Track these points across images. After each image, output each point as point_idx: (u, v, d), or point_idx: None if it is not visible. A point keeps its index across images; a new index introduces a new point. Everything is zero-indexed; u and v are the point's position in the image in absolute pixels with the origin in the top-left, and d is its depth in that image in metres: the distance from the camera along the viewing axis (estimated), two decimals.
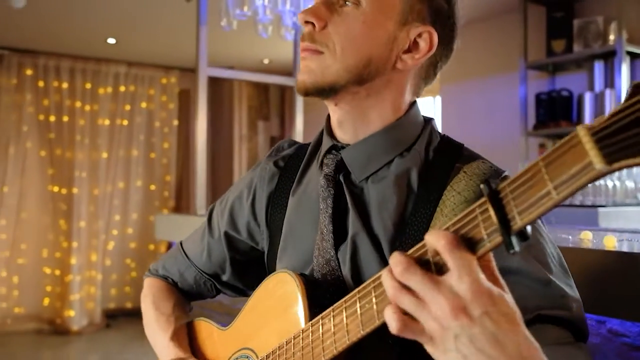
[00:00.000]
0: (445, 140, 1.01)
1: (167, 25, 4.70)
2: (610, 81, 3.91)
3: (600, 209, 3.20)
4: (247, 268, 1.19)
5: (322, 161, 1.03)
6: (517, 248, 0.61)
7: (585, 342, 0.84)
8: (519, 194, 0.61)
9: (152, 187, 6.46)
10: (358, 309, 0.74)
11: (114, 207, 6.28)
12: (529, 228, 0.61)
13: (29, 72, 5.81)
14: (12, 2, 4.08)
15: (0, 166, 5.67)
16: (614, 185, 3.44)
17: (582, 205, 3.49)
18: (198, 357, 1.14)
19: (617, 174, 3.31)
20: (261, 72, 5.80)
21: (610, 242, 1.15)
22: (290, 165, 1.12)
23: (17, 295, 5.83)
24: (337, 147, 1.01)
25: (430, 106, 5.63)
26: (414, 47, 0.96)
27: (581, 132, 0.56)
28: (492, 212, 0.62)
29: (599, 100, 3.90)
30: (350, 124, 0.99)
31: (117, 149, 6.24)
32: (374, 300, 0.72)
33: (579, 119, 4.01)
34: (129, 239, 6.32)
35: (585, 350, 0.82)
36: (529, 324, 0.76)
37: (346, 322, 0.76)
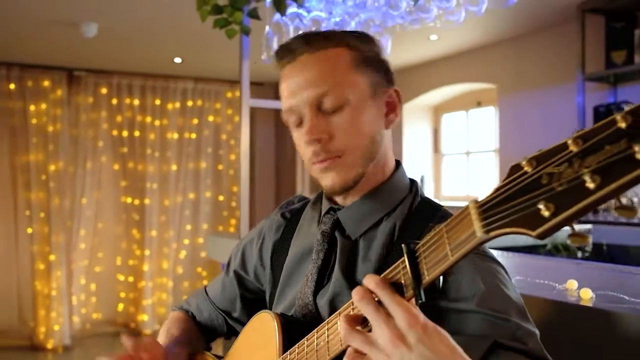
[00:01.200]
0: (425, 201, 1.12)
1: (229, 42, 4.87)
2: None
3: None
4: (256, 307, 1.30)
5: (320, 220, 1.15)
6: (423, 299, 0.73)
7: None
8: (429, 253, 0.73)
9: (221, 197, 6.70)
10: (315, 345, 0.87)
11: (184, 217, 6.55)
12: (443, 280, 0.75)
13: (103, 90, 6.16)
14: (84, 32, 4.38)
15: (78, 180, 6.04)
16: None
17: (636, 224, 3.40)
18: None
19: None
20: None
21: (585, 294, 1.17)
22: (296, 218, 1.25)
23: (94, 302, 6.19)
24: (334, 209, 1.13)
25: (488, 117, 5.56)
26: (390, 105, 1.11)
27: (471, 205, 0.67)
28: (408, 269, 0.74)
29: None
30: (350, 194, 1.11)
31: (186, 162, 6.51)
32: (327, 337, 0.85)
33: None
34: (199, 248, 6.57)
35: None
36: (491, 350, 0.84)
37: (306, 356, 0.87)
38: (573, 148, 0.58)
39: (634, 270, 1.53)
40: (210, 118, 6.61)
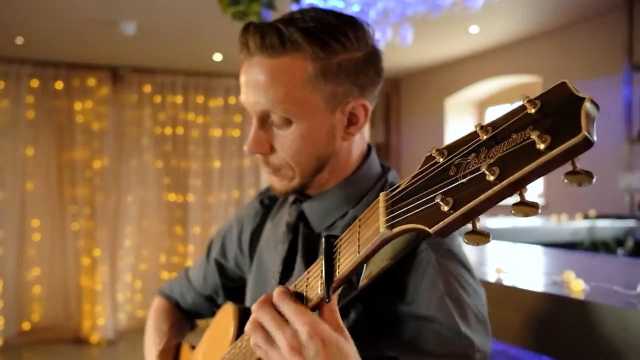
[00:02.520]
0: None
1: None
2: None
3: None
4: (238, 294, 1.27)
5: (287, 210, 1.11)
6: (330, 299, 0.69)
7: None
8: (344, 249, 0.69)
9: None
10: (246, 339, 0.85)
11: (231, 215, 6.59)
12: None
13: (147, 88, 6.26)
14: (123, 31, 4.46)
15: (123, 177, 6.15)
16: None
17: None
18: None
19: None
20: None
21: (577, 286, 1.08)
22: (272, 204, 1.21)
23: (139, 298, 6.30)
24: (300, 200, 1.08)
25: None
26: (353, 118, 1.00)
27: (381, 196, 0.62)
28: (323, 265, 0.70)
29: None
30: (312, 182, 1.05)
31: (229, 159, 6.54)
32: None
33: None
34: None
35: None
36: None
37: (244, 348, 0.85)
38: (482, 136, 0.53)
39: None
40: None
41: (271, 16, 2.63)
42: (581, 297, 1.06)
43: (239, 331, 0.96)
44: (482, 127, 0.53)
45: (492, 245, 1.96)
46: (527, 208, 0.51)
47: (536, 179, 0.51)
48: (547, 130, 0.48)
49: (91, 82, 6.05)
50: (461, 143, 0.56)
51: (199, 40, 5.15)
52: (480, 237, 0.53)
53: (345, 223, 1.02)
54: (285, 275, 1.05)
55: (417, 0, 2.09)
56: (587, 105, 0.48)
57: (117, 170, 6.14)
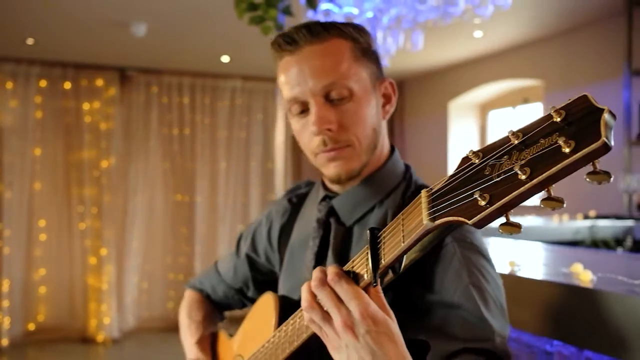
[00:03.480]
0: (419, 188, 1.13)
1: None
2: None
3: None
4: (267, 287, 1.36)
5: (317, 207, 1.19)
6: (377, 283, 0.77)
7: None
8: (388, 239, 0.77)
9: (270, 196, 6.81)
10: (298, 322, 0.93)
11: (237, 215, 6.68)
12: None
13: (154, 89, 6.35)
14: (134, 32, 4.55)
15: (130, 177, 6.23)
16: None
17: None
18: (217, 358, 1.33)
19: None
20: None
21: (585, 277, 1.18)
22: (301, 202, 1.31)
23: (145, 298, 6.37)
24: (329, 197, 1.16)
25: (535, 113, 5.48)
26: (385, 98, 1.13)
27: (423, 193, 0.71)
28: (369, 254, 0.78)
29: None
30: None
31: (236, 159, 6.63)
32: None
33: None
34: None
35: None
36: (456, 353, 0.88)
37: (292, 333, 0.94)
38: (514, 141, 0.61)
39: None
40: (259, 116, 6.72)
41: (286, 21, 2.74)
42: (590, 286, 1.16)
43: (281, 318, 1.05)
44: (513, 133, 0.62)
45: (502, 242, 2.06)
46: (554, 202, 0.60)
47: (562, 178, 0.59)
48: (572, 136, 0.57)
49: (99, 82, 6.14)
50: (495, 147, 0.64)
51: (207, 42, 5.24)
52: (513, 227, 0.62)
53: (375, 216, 1.10)
54: (318, 265, 1.14)
55: (429, 8, 2.19)
56: (606, 115, 0.55)
57: (125, 170, 6.23)
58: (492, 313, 0.94)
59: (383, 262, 0.77)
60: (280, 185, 2.95)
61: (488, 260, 1.02)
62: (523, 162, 0.59)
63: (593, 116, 0.56)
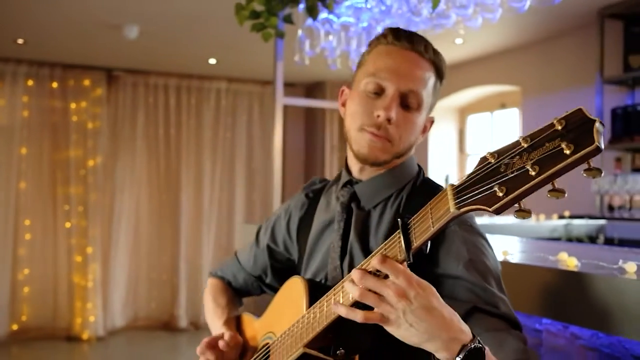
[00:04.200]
0: (426, 182, 1.33)
1: (261, 45, 5.11)
2: None
3: None
4: (284, 274, 1.50)
5: (339, 192, 1.34)
6: (411, 260, 0.94)
7: (518, 330, 1.09)
8: (418, 225, 0.93)
9: (254, 195, 6.94)
10: (333, 296, 1.07)
11: (222, 215, 6.81)
12: (428, 246, 0.95)
13: (141, 90, 6.45)
14: (126, 35, 4.66)
15: (116, 176, 6.31)
16: None
17: None
18: (243, 338, 1.47)
19: None
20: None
21: (571, 263, 1.36)
22: (317, 197, 1.47)
23: (130, 297, 6.46)
24: (352, 182, 1.33)
25: (512, 118, 5.71)
26: (426, 127, 1.31)
27: (448, 187, 0.88)
28: (402, 237, 0.94)
29: None
30: (368, 169, 1.30)
31: (221, 159, 6.76)
32: (341, 293, 1.04)
33: None
34: (234, 246, 6.78)
35: (516, 336, 1.06)
36: (470, 313, 1.04)
37: (328, 307, 1.08)
38: (523, 144, 0.78)
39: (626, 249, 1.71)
40: (244, 117, 6.86)
41: (285, 29, 2.89)
42: (576, 270, 1.34)
43: (311, 297, 1.19)
44: (523, 138, 0.78)
45: (493, 237, 2.24)
46: (558, 193, 0.77)
47: (564, 174, 0.76)
48: (571, 141, 0.73)
49: (86, 82, 6.22)
50: (507, 149, 0.80)
51: (196, 45, 5.37)
52: (526, 213, 0.79)
53: (392, 203, 1.27)
54: (345, 247, 1.29)
55: (423, 20, 2.37)
56: (597, 125, 0.73)
57: (111, 169, 6.31)
58: (491, 283, 1.12)
59: (415, 243, 0.92)
60: (279, 184, 3.10)
61: (486, 239, 1.20)
62: (532, 161, 0.76)
63: (587, 125, 0.73)
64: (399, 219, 0.96)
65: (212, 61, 5.96)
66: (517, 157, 0.78)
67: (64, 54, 5.77)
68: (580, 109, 0.76)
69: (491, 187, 0.79)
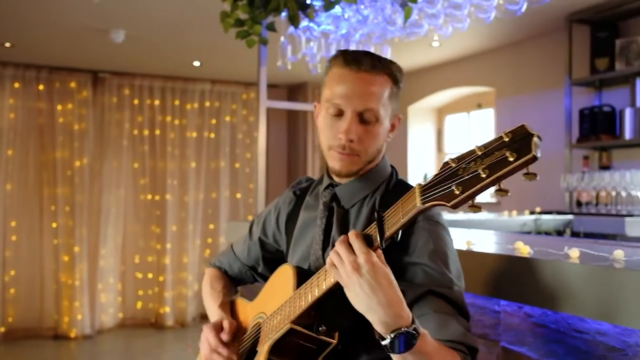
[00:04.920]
0: (399, 182, 1.51)
1: (244, 48, 5.26)
2: None
3: (627, 219, 3.48)
4: (274, 264, 1.67)
5: (322, 193, 1.52)
6: (383, 246, 1.11)
7: (464, 318, 1.27)
8: (391, 218, 1.11)
9: (238, 195, 7.10)
10: (317, 279, 1.25)
11: (207, 214, 6.96)
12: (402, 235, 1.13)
13: (126, 91, 6.58)
14: (113, 38, 4.79)
15: (103, 176, 6.44)
16: None
17: (609, 214, 3.76)
18: (236, 319, 1.63)
19: None
20: None
21: (524, 250, 1.55)
22: (303, 194, 1.64)
23: (116, 296, 6.59)
24: (332, 185, 1.50)
25: (488, 118, 5.92)
26: (392, 128, 1.48)
27: (416, 186, 1.05)
28: (376, 227, 1.12)
29: (637, 115, 4.12)
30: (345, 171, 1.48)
31: (205, 159, 6.92)
32: (324, 276, 1.23)
33: (621, 133, 4.23)
34: (223, 246, 6.91)
35: (460, 322, 1.24)
36: (423, 295, 1.22)
37: (312, 288, 1.26)
38: (478, 152, 0.95)
39: (580, 240, 1.90)
40: (227, 118, 7.02)
41: (268, 36, 3.05)
42: (528, 256, 1.52)
43: (298, 281, 1.36)
44: (478, 147, 0.95)
45: (463, 230, 2.43)
46: (503, 192, 0.94)
47: (508, 177, 0.92)
48: (515, 150, 0.90)
49: (72, 84, 6.33)
50: (465, 155, 0.97)
51: (180, 48, 5.51)
52: (477, 208, 0.97)
53: (368, 203, 1.44)
54: (326, 240, 1.47)
55: (398, 28, 2.54)
56: (535, 138, 0.89)
57: (97, 170, 6.43)
58: (450, 270, 1.30)
59: (387, 233, 1.10)
60: (263, 184, 3.27)
61: (448, 234, 1.38)
62: (484, 166, 0.93)
63: (528, 138, 0.89)
64: (375, 212, 1.13)
65: (197, 63, 6.10)
66: (473, 162, 0.95)
67: (50, 56, 5.88)
68: (523, 125, 0.92)
69: (450, 187, 0.96)
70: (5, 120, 6.07)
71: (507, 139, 0.91)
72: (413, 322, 1.10)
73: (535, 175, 0.92)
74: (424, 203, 1.02)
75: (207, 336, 1.52)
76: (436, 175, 1.01)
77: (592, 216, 3.84)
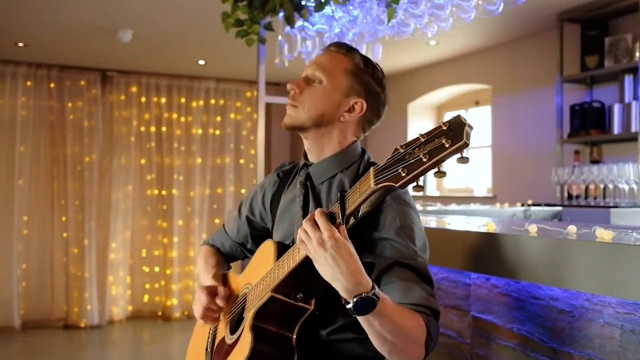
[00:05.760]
0: (370, 164, 1.65)
1: (247, 47, 5.43)
2: (637, 93, 4.26)
3: (612, 210, 3.63)
4: (262, 240, 1.84)
5: (298, 173, 1.68)
6: (344, 223, 1.28)
7: (428, 284, 1.42)
8: (351, 197, 1.28)
9: (243, 190, 7.28)
10: (292, 253, 1.41)
11: (212, 209, 7.15)
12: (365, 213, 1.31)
13: (133, 89, 6.78)
14: (120, 38, 4.98)
15: (112, 172, 6.63)
16: (631, 189, 3.84)
17: (596, 206, 3.91)
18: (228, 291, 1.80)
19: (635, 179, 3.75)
20: None
21: (491, 227, 1.71)
22: (286, 176, 1.80)
23: (124, 289, 6.76)
24: (307, 165, 1.66)
25: (485, 115, 6.07)
26: (351, 109, 1.62)
27: (371, 170, 1.21)
28: (339, 205, 1.28)
29: (626, 110, 4.27)
30: (314, 150, 1.65)
31: (211, 156, 7.11)
32: (298, 250, 1.38)
33: (610, 128, 4.38)
34: None
35: (424, 288, 1.40)
36: (390, 266, 1.38)
37: (288, 260, 1.42)
38: (422, 139, 1.11)
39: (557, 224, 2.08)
40: (232, 115, 7.20)
41: (267, 35, 3.23)
42: (493, 232, 1.69)
43: (278, 253, 1.53)
44: (421, 135, 1.12)
45: (446, 217, 2.59)
46: (441, 174, 1.10)
47: (445, 160, 1.08)
48: (450, 137, 1.06)
49: (82, 82, 6.53)
50: (411, 142, 1.13)
51: (186, 48, 5.70)
52: (419, 188, 1.13)
53: (337, 180, 1.61)
54: (305, 215, 1.63)
55: (386, 28, 2.71)
56: (467, 127, 1.05)
57: (106, 165, 6.63)
58: (415, 243, 1.45)
59: (348, 210, 1.27)
60: (262, 176, 3.44)
61: (415, 211, 1.53)
62: (425, 151, 1.09)
63: (461, 127, 1.06)
64: (339, 192, 1.30)
65: (201, 62, 6.29)
66: (417, 148, 1.11)
67: (61, 56, 6.08)
68: (459, 116, 1.08)
69: (397, 170, 1.12)
70: (17, 117, 6.28)
71: (445, 128, 1.07)
72: (373, 288, 1.25)
73: (467, 159, 1.08)
74: (376, 184, 1.17)
75: (199, 296, 1.69)
76: (388, 159, 1.16)
77: (582, 208, 3.99)
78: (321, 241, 1.25)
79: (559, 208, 3.95)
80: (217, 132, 7.16)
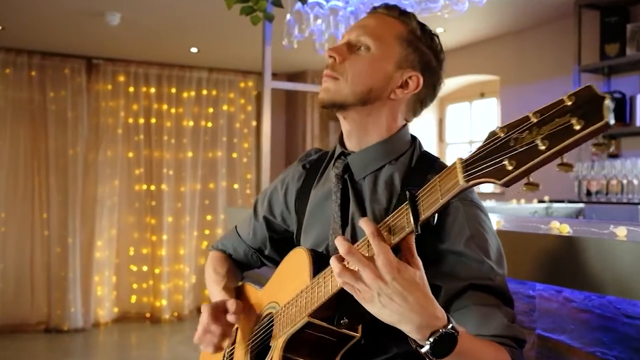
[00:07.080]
0: (424, 155, 1.36)
1: (243, 34, 5.14)
2: None
3: None
4: (282, 245, 1.54)
5: (334, 164, 1.38)
6: (419, 232, 0.96)
7: (509, 306, 1.14)
8: (426, 197, 0.95)
9: (235, 185, 6.96)
10: (330, 274, 1.10)
11: (204, 206, 6.80)
12: (435, 218, 0.97)
13: (121, 78, 6.42)
14: (108, 21, 4.64)
15: (98, 166, 6.25)
16: None
17: (619, 203, 3.66)
18: (246, 307, 1.49)
19: None
20: None
21: (564, 229, 1.43)
22: (314, 167, 1.49)
23: (110, 289, 6.39)
24: (345, 154, 1.36)
25: (490, 107, 5.81)
26: (405, 84, 1.31)
27: (457, 161, 0.89)
28: (410, 210, 0.96)
29: None
30: (355, 135, 1.34)
31: (202, 149, 6.76)
32: None
33: (632, 120, 4.13)
34: (215, 237, 6.76)
35: (505, 312, 1.12)
36: (464, 289, 1.08)
37: (330, 281, 1.11)
38: (533, 119, 0.79)
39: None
40: (225, 107, 6.87)
41: (273, 11, 2.92)
42: (569, 235, 1.41)
43: (314, 269, 1.21)
44: (533, 113, 0.79)
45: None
46: (567, 167, 0.79)
47: (572, 149, 0.77)
48: (581, 116, 0.74)
49: (65, 71, 6.16)
50: (517, 124, 0.80)
51: (178, 34, 5.37)
52: (534, 186, 0.81)
53: (384, 174, 1.30)
54: (344, 217, 1.33)
55: (412, 3, 2.42)
56: (607, 101, 0.73)
57: (91, 159, 6.26)
58: (490, 257, 1.16)
59: (423, 215, 0.94)
60: (267, 168, 3.15)
61: (486, 214, 1.24)
62: (542, 135, 0.77)
63: (597, 101, 0.73)
64: (407, 191, 0.97)
65: (194, 50, 5.95)
66: (527, 131, 0.78)
67: (43, 41, 5.72)
68: (589, 86, 0.76)
69: (501, 161, 0.81)
70: None
71: (569, 103, 0.75)
72: (449, 320, 0.97)
73: (571, 166, 0.78)
74: (468, 180, 0.85)
75: (201, 316, 1.39)
76: (481, 147, 0.85)
77: (603, 205, 3.74)
78: (377, 273, 0.96)
79: (581, 205, 3.70)
80: (209, 124, 6.82)
